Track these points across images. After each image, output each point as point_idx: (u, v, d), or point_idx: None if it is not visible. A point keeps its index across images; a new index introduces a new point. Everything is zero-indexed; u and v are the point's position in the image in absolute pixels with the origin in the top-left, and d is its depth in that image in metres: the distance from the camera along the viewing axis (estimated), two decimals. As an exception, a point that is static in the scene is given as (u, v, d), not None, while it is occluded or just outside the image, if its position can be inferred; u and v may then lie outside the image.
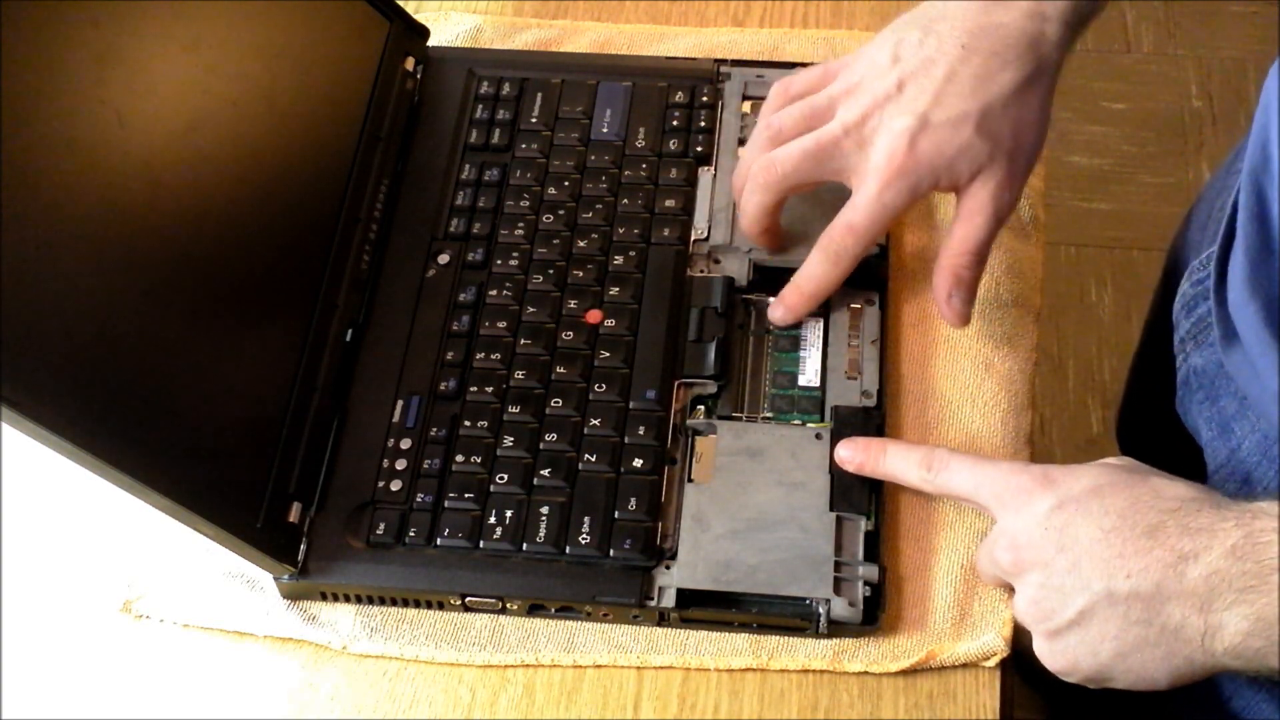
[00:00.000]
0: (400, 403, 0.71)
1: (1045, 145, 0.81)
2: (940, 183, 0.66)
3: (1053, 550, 0.58)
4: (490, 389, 0.70)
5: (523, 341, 0.72)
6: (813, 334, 0.72)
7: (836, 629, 0.64)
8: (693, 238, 0.76)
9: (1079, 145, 1.85)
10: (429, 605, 0.67)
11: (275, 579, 0.67)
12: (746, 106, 0.80)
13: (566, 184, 0.78)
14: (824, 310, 0.72)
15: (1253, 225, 0.64)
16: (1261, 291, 0.63)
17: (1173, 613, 0.55)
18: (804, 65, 0.78)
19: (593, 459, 0.68)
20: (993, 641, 0.64)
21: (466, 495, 0.67)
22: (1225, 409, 0.71)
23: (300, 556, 0.66)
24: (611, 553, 0.65)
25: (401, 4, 0.83)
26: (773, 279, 0.73)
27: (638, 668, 0.66)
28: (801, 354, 0.72)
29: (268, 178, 0.71)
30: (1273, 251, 0.62)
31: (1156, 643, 0.56)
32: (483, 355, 0.72)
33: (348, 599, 0.67)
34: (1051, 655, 0.60)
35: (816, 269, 0.69)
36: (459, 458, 0.68)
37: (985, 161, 0.65)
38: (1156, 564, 0.55)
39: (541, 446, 0.68)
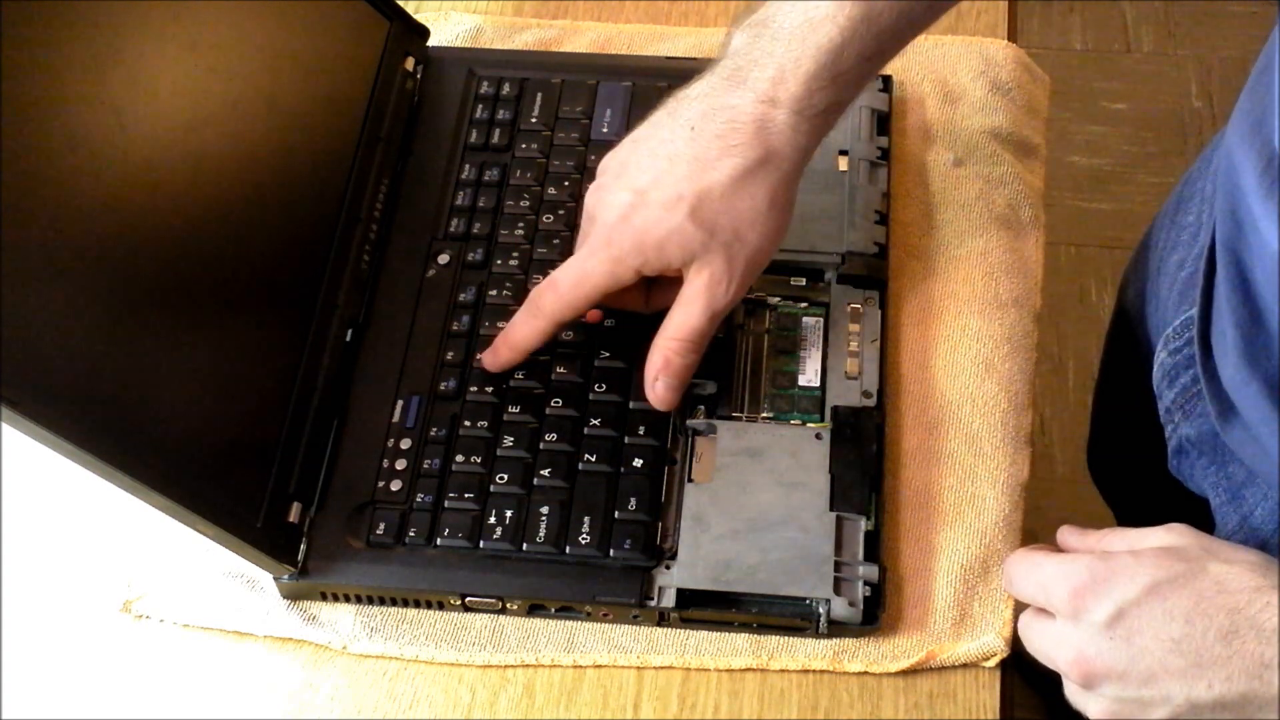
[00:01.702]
0: (400, 403, 0.71)
1: (1045, 147, 0.81)
2: (649, 263, 0.63)
3: (1124, 663, 0.55)
4: (490, 389, 0.70)
5: (523, 341, 0.72)
6: (813, 334, 0.72)
7: (836, 629, 0.64)
8: (693, 238, 0.75)
9: (1079, 145, 1.85)
10: (429, 605, 0.67)
11: (275, 579, 0.67)
12: (746, 106, 0.80)
13: (566, 184, 0.78)
14: (824, 310, 0.73)
15: (1236, 298, 0.62)
16: (1260, 369, 0.61)
17: (1268, 716, 0.53)
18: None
19: (593, 459, 0.68)
20: (992, 642, 0.64)
21: (466, 495, 0.67)
22: (1234, 475, 0.70)
23: (300, 556, 0.66)
24: (611, 553, 0.65)
25: (401, 4, 0.83)
26: (773, 279, 0.74)
27: (638, 668, 0.66)
28: (801, 354, 0.72)
29: (268, 178, 0.71)
30: (1262, 324, 0.61)
31: None
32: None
33: (348, 599, 0.67)
34: None
35: (518, 321, 0.68)
36: (459, 458, 0.68)
37: (699, 250, 0.62)
38: (1239, 673, 0.53)
39: (541, 446, 0.68)
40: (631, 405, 0.69)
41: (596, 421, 0.69)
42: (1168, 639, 0.54)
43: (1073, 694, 0.59)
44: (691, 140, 0.62)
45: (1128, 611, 0.55)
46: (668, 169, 0.63)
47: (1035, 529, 0.69)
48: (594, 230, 0.65)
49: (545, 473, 0.68)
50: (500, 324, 0.72)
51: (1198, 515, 0.71)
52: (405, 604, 0.67)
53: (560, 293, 0.66)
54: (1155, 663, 0.55)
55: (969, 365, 0.72)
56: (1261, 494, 0.68)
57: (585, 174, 0.78)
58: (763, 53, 0.62)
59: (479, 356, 0.71)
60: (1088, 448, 1.01)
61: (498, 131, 0.80)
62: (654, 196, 0.62)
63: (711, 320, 0.64)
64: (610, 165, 0.66)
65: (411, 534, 0.67)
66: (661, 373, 0.65)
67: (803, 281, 0.74)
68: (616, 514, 0.66)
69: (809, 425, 0.69)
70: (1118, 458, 0.96)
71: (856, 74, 0.63)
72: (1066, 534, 0.63)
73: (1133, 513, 0.93)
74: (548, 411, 0.69)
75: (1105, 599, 0.56)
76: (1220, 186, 0.64)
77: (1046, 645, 0.59)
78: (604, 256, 0.64)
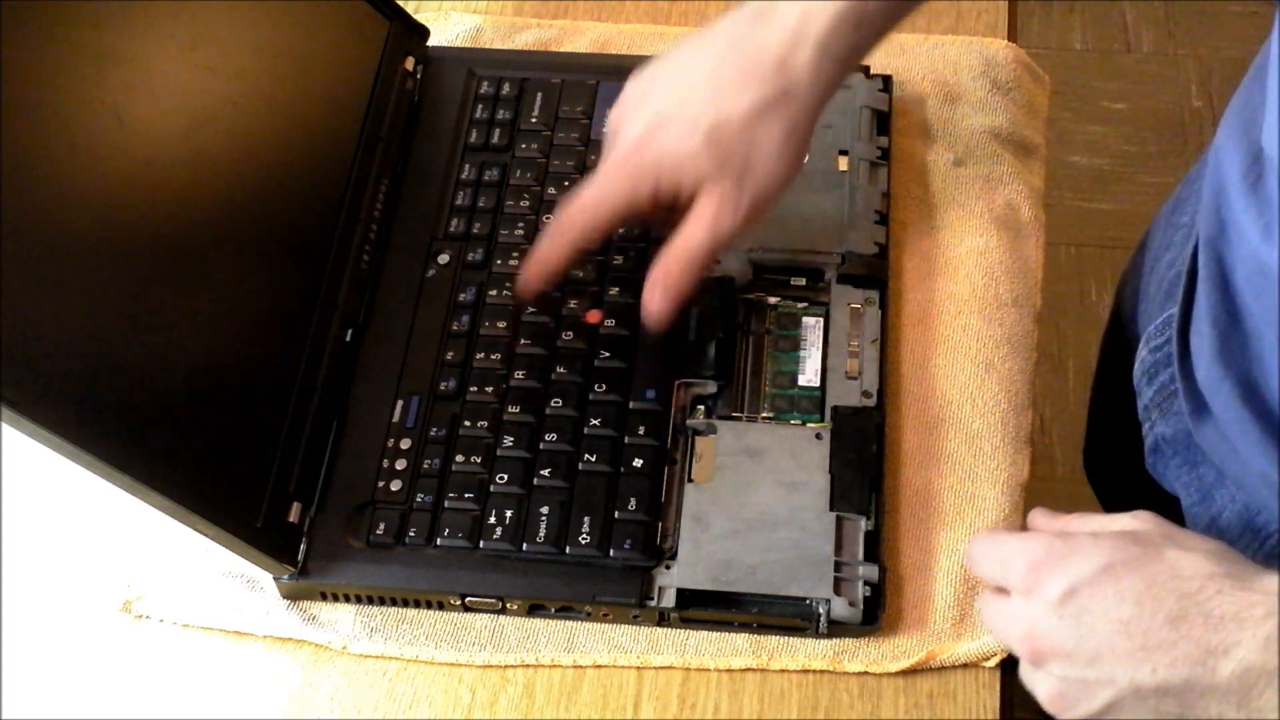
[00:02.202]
0: (400, 403, 0.71)
1: (1045, 147, 0.81)
2: (661, 182, 0.64)
3: (1072, 641, 0.55)
4: (490, 389, 0.70)
5: (523, 341, 0.72)
6: (813, 334, 0.72)
7: (836, 629, 0.64)
8: (693, 238, 0.75)
9: (1079, 145, 1.85)
10: (429, 605, 0.67)
11: (275, 579, 0.67)
12: (746, 106, 0.80)
13: (566, 184, 0.78)
14: (824, 310, 0.73)
15: (1215, 295, 0.62)
16: (1234, 369, 0.62)
17: (1208, 707, 0.53)
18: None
19: (593, 459, 0.68)
20: (992, 642, 0.64)
21: (466, 495, 0.67)
22: (1205, 476, 0.70)
23: (300, 556, 0.66)
24: (611, 553, 0.65)
25: (401, 4, 0.83)
26: (773, 279, 0.74)
27: (638, 668, 0.66)
28: (801, 354, 0.72)
29: (267, 178, 0.71)
30: (1239, 323, 0.61)
31: None
32: (483, 355, 0.72)
33: (348, 599, 0.67)
34: None
35: (543, 243, 0.68)
36: (459, 458, 0.68)
37: (712, 174, 0.63)
38: (1184, 659, 0.52)
39: (541, 446, 0.68)
40: (631, 405, 0.69)
41: (596, 421, 0.69)
42: (1116, 620, 0.54)
43: (1024, 673, 0.58)
44: (714, 71, 0.63)
45: (1079, 590, 0.55)
46: (689, 95, 0.64)
47: (1035, 529, 0.69)
48: (614, 150, 0.66)
49: (545, 473, 0.68)
50: (500, 324, 0.72)
51: (1178, 517, 0.71)
52: (405, 604, 0.67)
53: (582, 208, 0.66)
54: (1102, 643, 0.54)
55: (969, 365, 0.72)
56: (1230, 496, 0.68)
57: (585, 174, 0.78)
58: None
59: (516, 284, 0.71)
60: (1084, 446, 1.01)
61: (498, 131, 0.80)
62: (673, 120, 0.63)
63: (713, 241, 0.64)
64: (634, 89, 0.67)
65: (411, 534, 0.67)
66: (660, 282, 0.65)
67: (803, 281, 0.74)
68: (616, 514, 0.66)
69: (809, 425, 0.69)
70: (1108, 456, 0.97)
71: (880, 17, 0.63)
72: (1037, 516, 0.63)
73: (1121, 511, 0.94)
74: (548, 411, 0.69)
75: (1059, 576, 0.55)
76: (1208, 184, 0.64)
77: (1000, 621, 0.59)
78: (623, 173, 0.65)
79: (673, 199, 0.65)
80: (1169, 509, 0.72)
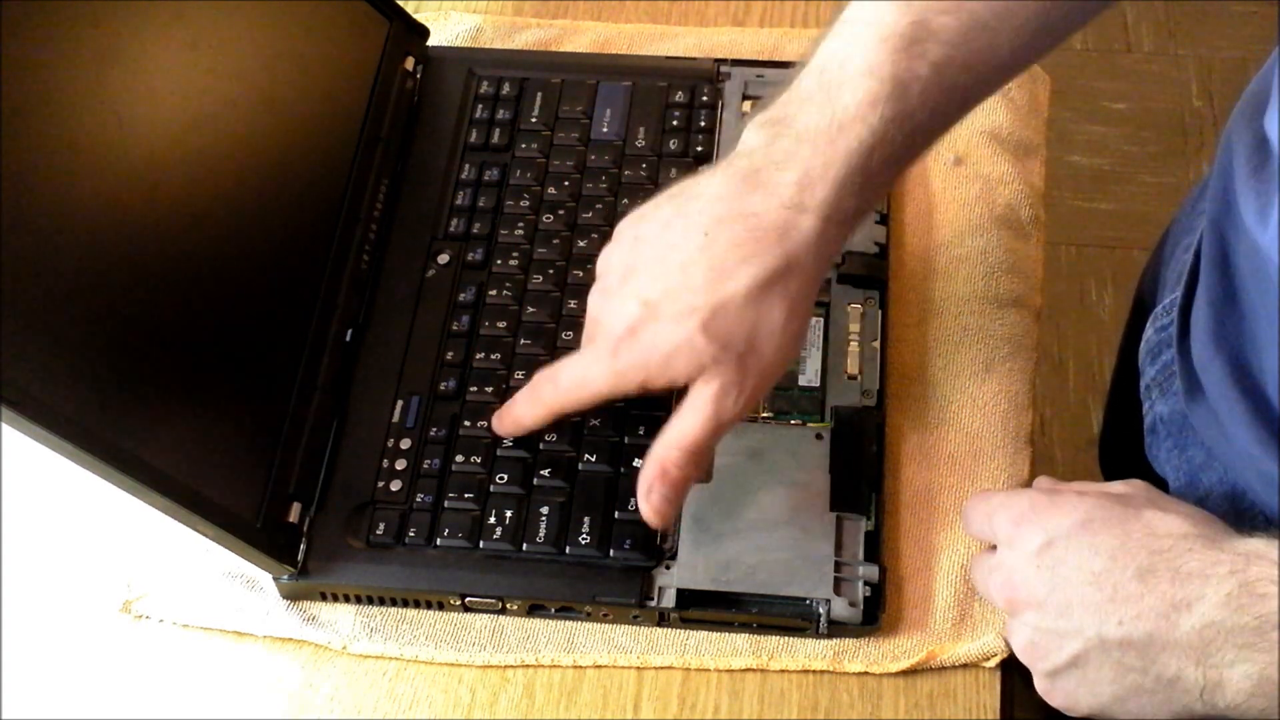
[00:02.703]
0: (400, 403, 0.71)
1: (1045, 147, 0.81)
2: (653, 378, 0.59)
3: (1045, 591, 0.56)
4: (490, 389, 0.70)
5: (523, 341, 0.72)
6: (813, 334, 0.72)
7: (837, 629, 0.64)
8: (693, 238, 0.75)
9: (1079, 145, 1.85)
10: (429, 605, 0.67)
11: (275, 579, 0.67)
12: (747, 106, 0.80)
13: (566, 184, 0.78)
14: (824, 310, 0.72)
15: (1215, 274, 0.62)
16: (1226, 346, 0.62)
17: (1168, 663, 0.53)
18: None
19: (592, 459, 0.68)
20: (993, 642, 0.64)
21: (466, 495, 0.67)
22: (1193, 459, 0.70)
23: (300, 556, 0.66)
24: (611, 553, 0.65)
25: (401, 4, 0.83)
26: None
27: (638, 668, 0.66)
28: (802, 354, 0.72)
29: (267, 178, 0.71)
30: (1235, 304, 0.61)
31: (1154, 690, 0.54)
32: (483, 355, 0.72)
33: (348, 599, 0.67)
34: (1050, 694, 0.58)
35: (520, 399, 0.66)
36: (459, 458, 0.68)
37: (709, 362, 0.57)
38: (1149, 612, 0.53)
39: (541, 446, 0.68)
40: (631, 405, 0.69)
41: (596, 422, 0.69)
42: (1089, 572, 0.55)
43: (1006, 627, 0.60)
44: (706, 247, 0.57)
45: (1056, 542, 0.56)
46: (680, 279, 0.58)
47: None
48: (599, 336, 0.61)
49: (545, 473, 0.67)
50: (500, 324, 0.72)
51: None
52: (405, 604, 0.67)
53: (560, 389, 0.63)
54: (1073, 594, 0.55)
55: (969, 365, 0.72)
56: (1217, 478, 0.68)
57: (585, 174, 0.78)
58: (784, 154, 0.57)
59: (492, 421, 0.68)
60: (1100, 434, 1.01)
61: (498, 131, 0.80)
62: (665, 310, 0.58)
63: (715, 432, 0.59)
64: (613, 265, 0.62)
65: (411, 534, 0.67)
66: (657, 482, 0.60)
67: (803, 281, 0.74)
68: (616, 514, 0.66)
69: (809, 425, 0.69)
70: (1118, 443, 0.97)
71: (885, 178, 0.59)
72: (1040, 481, 0.63)
73: None
74: (548, 411, 0.69)
75: (1039, 528, 0.57)
76: (1218, 166, 0.65)
77: (982, 574, 0.60)
78: (607, 367, 0.60)
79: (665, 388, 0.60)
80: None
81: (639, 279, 0.59)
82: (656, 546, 0.66)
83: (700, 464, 0.60)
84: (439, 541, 0.66)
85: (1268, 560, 0.52)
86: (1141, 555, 0.54)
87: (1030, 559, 0.56)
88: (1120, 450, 0.96)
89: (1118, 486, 0.59)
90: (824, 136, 0.57)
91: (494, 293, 0.74)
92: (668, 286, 0.58)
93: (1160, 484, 0.75)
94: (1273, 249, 0.57)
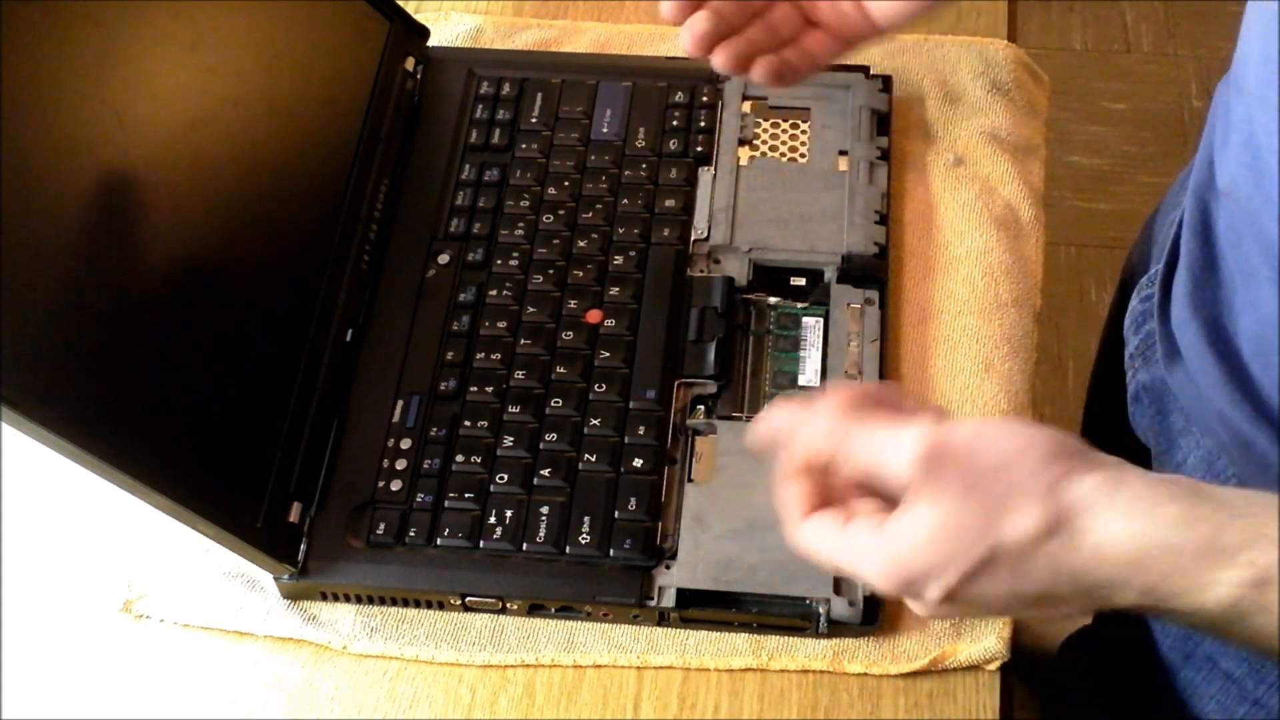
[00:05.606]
0: (400, 403, 0.71)
1: (1045, 147, 0.82)
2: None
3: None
4: (490, 389, 0.70)
5: (523, 341, 0.72)
6: (813, 334, 0.72)
7: (837, 629, 0.64)
8: (693, 238, 0.76)
9: (1079, 145, 1.85)
10: (429, 605, 0.67)
11: (275, 579, 0.67)
12: (747, 106, 0.80)
13: (566, 184, 0.78)
14: (824, 310, 0.72)
15: (1195, 242, 0.63)
16: (1202, 310, 0.63)
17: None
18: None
19: (593, 459, 0.68)
20: (993, 645, 0.64)
21: (466, 495, 0.67)
22: (1172, 424, 0.71)
23: (300, 556, 0.66)
24: (611, 553, 0.65)
25: (401, 4, 0.83)
26: (773, 279, 0.74)
27: (638, 668, 0.66)
28: (801, 354, 0.72)
29: (268, 178, 0.71)
30: (1214, 271, 0.62)
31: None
32: (483, 355, 0.72)
33: (348, 599, 0.67)
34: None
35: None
36: (459, 458, 0.68)
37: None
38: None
39: (541, 446, 0.68)
40: (631, 405, 0.69)
41: (596, 421, 0.69)
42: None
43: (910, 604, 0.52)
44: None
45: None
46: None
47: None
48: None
49: (545, 473, 0.68)
50: (500, 324, 0.72)
51: (1150, 468, 0.71)
52: (405, 604, 0.67)
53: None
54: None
55: (969, 365, 0.72)
56: (1194, 443, 0.68)
57: (585, 174, 0.78)
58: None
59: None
60: (1084, 408, 1.01)
61: (498, 131, 0.80)
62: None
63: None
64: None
65: (411, 534, 0.67)
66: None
67: (803, 281, 0.74)
68: (616, 514, 0.66)
69: (809, 425, 0.69)
70: (1103, 415, 0.97)
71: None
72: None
73: None
74: (548, 411, 0.69)
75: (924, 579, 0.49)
76: (1204, 137, 0.65)
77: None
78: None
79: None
80: (1146, 462, 0.73)
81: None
82: (656, 546, 0.66)
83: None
84: (439, 541, 0.66)
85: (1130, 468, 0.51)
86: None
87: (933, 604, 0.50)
88: (1103, 419, 0.96)
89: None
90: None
91: (494, 293, 0.74)
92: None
93: (1142, 452, 0.75)
94: (1231, 175, 0.57)
